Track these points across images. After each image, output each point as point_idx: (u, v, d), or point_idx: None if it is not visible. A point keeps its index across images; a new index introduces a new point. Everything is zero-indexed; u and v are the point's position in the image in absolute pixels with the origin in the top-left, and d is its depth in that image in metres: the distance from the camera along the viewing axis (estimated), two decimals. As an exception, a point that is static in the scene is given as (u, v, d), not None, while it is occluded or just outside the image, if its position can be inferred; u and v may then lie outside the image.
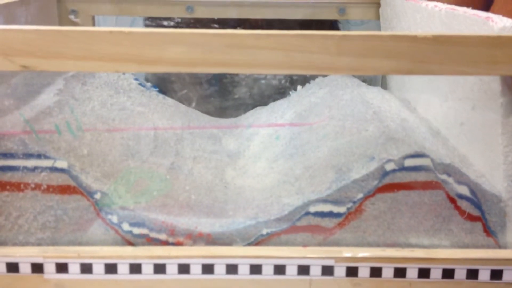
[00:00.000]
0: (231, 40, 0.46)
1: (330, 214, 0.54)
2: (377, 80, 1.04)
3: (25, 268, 0.51)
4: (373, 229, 0.54)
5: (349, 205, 0.54)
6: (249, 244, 0.54)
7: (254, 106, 0.92)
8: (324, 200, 0.54)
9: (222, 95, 1.13)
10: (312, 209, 0.54)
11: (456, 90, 0.62)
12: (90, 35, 0.46)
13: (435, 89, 0.69)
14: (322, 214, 0.54)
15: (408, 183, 0.53)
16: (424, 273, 0.52)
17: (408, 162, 0.54)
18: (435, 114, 0.69)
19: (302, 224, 0.54)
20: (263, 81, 1.09)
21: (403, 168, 0.53)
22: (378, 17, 0.94)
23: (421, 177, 0.53)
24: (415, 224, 0.54)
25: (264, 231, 0.54)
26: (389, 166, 0.53)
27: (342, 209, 0.54)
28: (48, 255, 0.51)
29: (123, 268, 0.51)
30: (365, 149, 0.56)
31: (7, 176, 0.53)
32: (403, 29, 0.81)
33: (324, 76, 0.84)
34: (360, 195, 0.53)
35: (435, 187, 0.54)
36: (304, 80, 0.89)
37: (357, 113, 0.64)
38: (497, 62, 0.47)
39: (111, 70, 0.47)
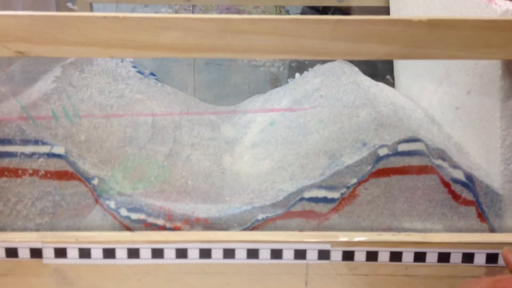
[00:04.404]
0: (225, 25, 0.46)
1: (324, 200, 0.54)
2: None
3: (24, 253, 0.52)
4: (366, 213, 0.54)
5: (343, 190, 0.54)
6: (245, 229, 0.54)
7: (252, 93, 0.92)
8: (318, 186, 0.54)
9: (221, 83, 1.13)
10: (307, 194, 0.54)
11: (451, 75, 0.62)
12: (85, 20, 0.46)
13: (430, 74, 0.69)
14: (316, 200, 0.54)
15: (402, 167, 0.54)
16: (420, 257, 0.52)
17: (402, 147, 0.54)
18: (431, 98, 0.69)
19: (296, 210, 0.54)
20: (261, 69, 1.09)
21: (396, 153, 0.54)
22: (377, 2, 0.94)
23: (415, 161, 0.54)
24: (408, 209, 0.54)
25: (260, 217, 0.54)
26: (383, 151, 0.54)
27: (336, 195, 0.54)
28: (47, 240, 0.51)
29: (121, 253, 0.52)
30: (357, 135, 0.56)
31: (5, 162, 0.53)
32: (407, 13, 0.80)
33: (322, 63, 0.83)
34: (354, 180, 0.54)
35: (429, 171, 0.54)
36: (303, 67, 0.89)
37: (351, 99, 0.64)
38: (493, 46, 0.47)
39: (106, 56, 0.47)
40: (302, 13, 1.10)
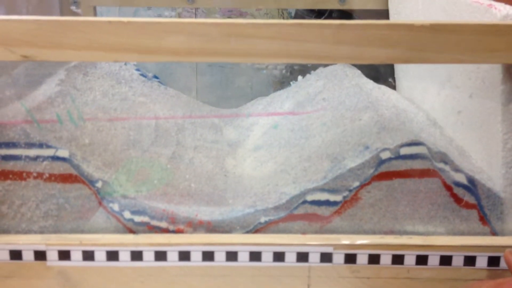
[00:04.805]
0: (229, 30, 0.47)
1: (327, 203, 0.54)
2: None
3: (28, 256, 0.52)
4: (369, 216, 0.55)
5: (345, 193, 0.54)
6: (247, 232, 0.54)
7: (255, 96, 0.92)
8: (321, 189, 0.54)
9: (224, 85, 1.13)
10: (309, 197, 0.54)
11: (453, 78, 0.63)
12: (90, 25, 0.46)
13: (431, 77, 0.69)
14: (318, 203, 0.54)
15: (404, 171, 0.54)
16: (422, 260, 0.53)
17: (404, 151, 0.54)
18: (433, 102, 0.69)
19: (299, 213, 0.54)
20: (264, 72, 1.10)
21: (399, 156, 0.54)
22: (379, 5, 0.94)
23: (417, 165, 0.54)
24: (410, 212, 0.54)
25: (262, 219, 0.54)
26: (385, 155, 0.54)
27: (338, 198, 0.54)
28: (51, 243, 0.52)
29: (124, 255, 0.52)
30: (359, 138, 0.57)
31: (10, 165, 0.53)
32: (406, 16, 0.81)
33: (325, 66, 0.84)
34: (356, 184, 0.54)
35: (432, 175, 0.54)
36: (305, 70, 0.90)
37: (353, 102, 0.64)
38: (495, 50, 0.47)
39: (110, 60, 0.48)
40: (296, 15, 1.10)
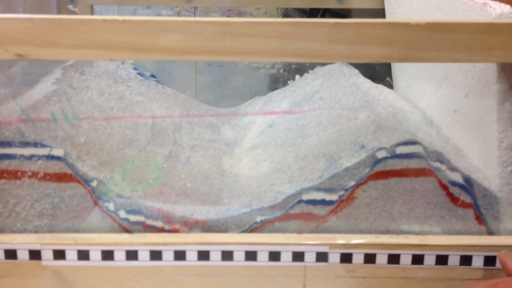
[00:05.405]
0: (225, 28, 0.46)
1: (323, 202, 0.54)
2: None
3: (23, 255, 0.52)
4: (365, 216, 0.54)
5: (341, 192, 0.54)
6: (243, 231, 0.54)
7: (253, 95, 0.92)
8: (317, 188, 0.54)
9: (223, 84, 1.13)
10: (305, 197, 0.54)
11: (449, 77, 0.63)
12: (84, 23, 0.46)
13: (428, 76, 0.69)
14: (314, 202, 0.54)
15: (400, 170, 0.54)
16: (418, 260, 0.52)
17: (400, 150, 0.54)
18: (429, 101, 0.69)
19: (295, 212, 0.54)
20: (262, 71, 1.09)
21: (395, 156, 0.54)
22: (377, 4, 0.94)
23: (413, 164, 0.54)
24: (406, 211, 0.54)
25: (258, 219, 0.54)
26: (381, 154, 0.54)
27: (334, 197, 0.54)
28: (46, 242, 0.52)
29: (119, 255, 0.52)
30: (355, 137, 0.57)
31: (4, 164, 0.53)
32: (402, 15, 0.81)
33: (322, 65, 0.84)
34: (352, 183, 0.54)
35: (427, 174, 0.54)
36: (303, 70, 0.89)
37: (350, 101, 0.64)
38: (492, 48, 0.47)
39: (105, 59, 0.47)
40: (284, 15, 1.10)
